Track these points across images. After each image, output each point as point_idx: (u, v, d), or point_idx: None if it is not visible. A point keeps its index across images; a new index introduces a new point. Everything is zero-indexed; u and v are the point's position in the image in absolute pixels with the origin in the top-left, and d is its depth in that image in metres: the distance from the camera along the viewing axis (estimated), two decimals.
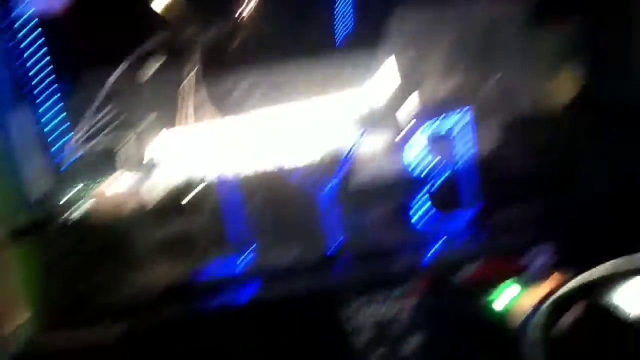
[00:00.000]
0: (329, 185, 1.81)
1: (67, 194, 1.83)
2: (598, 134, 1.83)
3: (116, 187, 1.92)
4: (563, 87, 1.95)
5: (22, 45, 1.88)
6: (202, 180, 1.89)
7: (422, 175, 1.87)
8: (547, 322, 1.06)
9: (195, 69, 1.86)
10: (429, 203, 1.87)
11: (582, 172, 1.87)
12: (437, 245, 1.82)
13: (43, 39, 1.89)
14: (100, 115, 1.85)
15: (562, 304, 1.08)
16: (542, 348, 1.00)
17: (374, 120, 1.87)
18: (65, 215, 1.80)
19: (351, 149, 1.83)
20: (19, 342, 1.51)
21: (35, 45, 1.90)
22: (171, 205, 1.88)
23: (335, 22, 1.98)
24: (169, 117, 1.86)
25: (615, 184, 1.83)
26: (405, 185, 1.86)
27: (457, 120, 1.86)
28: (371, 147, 1.86)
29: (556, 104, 1.93)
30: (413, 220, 1.87)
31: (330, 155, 1.84)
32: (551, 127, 1.89)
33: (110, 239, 1.84)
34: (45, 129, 1.85)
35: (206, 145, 1.91)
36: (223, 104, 1.88)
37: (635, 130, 1.76)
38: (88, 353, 1.50)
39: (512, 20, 1.89)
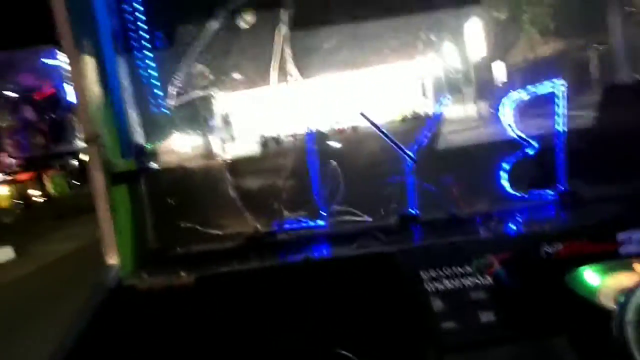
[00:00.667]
0: (411, 150, 1.79)
1: (160, 144, 1.95)
2: None
3: (203, 141, 2.01)
4: None
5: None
6: (281, 140, 1.94)
7: (509, 147, 1.81)
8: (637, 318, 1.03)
9: (283, 26, 1.87)
10: (514, 175, 1.82)
11: None
12: (520, 219, 1.79)
13: None
14: (192, 70, 1.92)
15: None
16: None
17: (461, 86, 1.82)
18: (159, 164, 1.92)
19: (435, 114, 1.79)
20: (112, 281, 1.65)
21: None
22: (252, 162, 1.95)
23: None
24: (258, 74, 1.90)
25: None
26: (491, 155, 1.81)
27: (550, 91, 1.76)
28: (456, 113, 1.82)
29: None
30: (497, 192, 1.83)
31: (413, 119, 1.81)
32: None
33: (196, 189, 1.94)
34: (142, 81, 1.95)
35: (288, 104, 1.94)
36: (309, 63, 1.89)
37: None
38: (172, 296, 1.62)
39: None
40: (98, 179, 1.63)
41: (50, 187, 19.48)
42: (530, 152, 1.80)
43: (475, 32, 1.86)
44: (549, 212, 1.80)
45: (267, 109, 1.96)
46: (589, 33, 1.81)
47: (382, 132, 1.77)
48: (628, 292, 1.08)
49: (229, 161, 1.92)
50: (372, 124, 1.78)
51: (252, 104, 1.99)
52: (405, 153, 1.78)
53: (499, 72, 1.83)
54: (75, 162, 20.95)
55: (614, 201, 1.77)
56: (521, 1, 1.81)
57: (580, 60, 1.82)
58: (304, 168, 1.83)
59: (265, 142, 1.94)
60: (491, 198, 1.83)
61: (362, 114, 1.75)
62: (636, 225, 1.53)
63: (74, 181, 20.44)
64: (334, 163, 1.88)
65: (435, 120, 1.79)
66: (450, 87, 1.83)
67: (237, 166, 1.91)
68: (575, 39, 1.80)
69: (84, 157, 1.70)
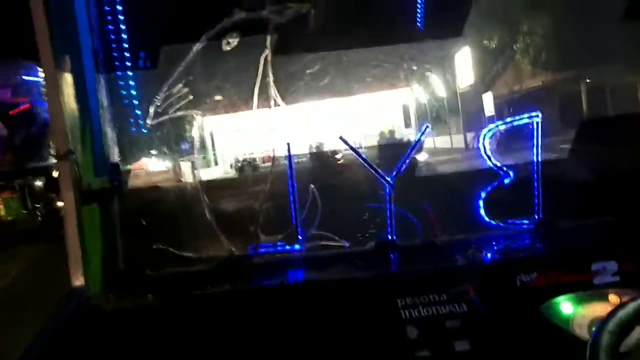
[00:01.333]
0: (390, 177, 1.79)
1: (136, 164, 1.91)
2: None
3: (179, 163, 1.98)
4: None
5: (104, 18, 1.97)
6: (259, 163, 1.93)
7: (488, 176, 1.83)
8: (610, 342, 1.02)
9: (266, 51, 1.88)
10: (492, 204, 1.83)
11: None
12: (497, 248, 1.79)
13: (123, 12, 1.97)
14: (172, 91, 1.91)
15: (627, 325, 1.04)
16: None
17: (443, 115, 1.84)
18: (133, 183, 1.88)
19: (415, 141, 1.80)
20: (78, 300, 1.59)
21: (114, 18, 1.99)
22: (229, 184, 1.93)
23: (411, 12, 1.95)
24: (239, 98, 1.90)
25: None
26: (469, 184, 1.83)
27: (528, 122, 1.80)
28: (437, 141, 1.84)
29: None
30: (475, 220, 1.83)
31: (394, 146, 1.82)
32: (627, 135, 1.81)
33: (170, 211, 1.91)
34: (121, 100, 1.94)
35: (268, 128, 1.94)
36: (290, 88, 1.90)
37: None
38: (140, 318, 1.57)
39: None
40: (68, 197, 1.58)
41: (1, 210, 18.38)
42: (507, 181, 1.82)
43: (459, 62, 1.91)
44: (525, 242, 1.81)
45: (247, 132, 1.95)
46: (577, 67, 1.87)
47: (362, 158, 1.77)
48: (602, 322, 1.07)
49: (205, 183, 1.89)
50: (352, 149, 1.78)
51: (232, 126, 1.98)
52: (384, 179, 1.79)
53: (483, 102, 1.87)
54: (39, 183, 19.91)
55: (589, 232, 1.79)
56: (513, 32, 1.86)
57: (567, 93, 1.87)
58: (282, 191, 1.81)
59: (243, 165, 1.93)
60: (468, 226, 1.84)
61: (342, 139, 1.75)
62: (610, 256, 1.54)
63: (36, 203, 19.40)
64: (312, 187, 1.87)
65: (415, 148, 1.80)
66: (433, 115, 1.86)
67: (214, 188, 1.89)
68: (563, 72, 1.85)
69: (56, 174, 1.66)
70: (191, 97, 1.92)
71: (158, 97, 1.93)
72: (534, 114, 1.79)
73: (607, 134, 1.86)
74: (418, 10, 1.90)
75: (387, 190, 1.78)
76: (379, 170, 1.78)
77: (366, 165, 1.77)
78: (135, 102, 1.96)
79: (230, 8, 1.82)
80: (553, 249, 1.75)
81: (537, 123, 1.79)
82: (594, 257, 1.53)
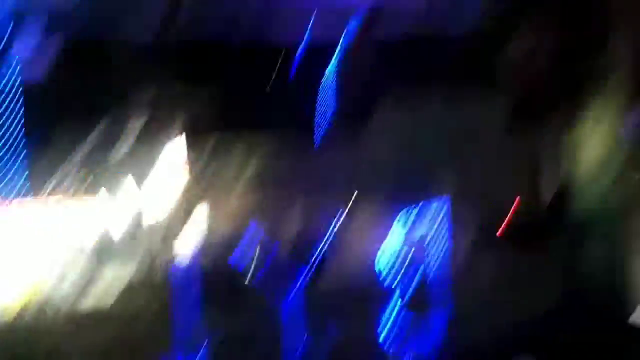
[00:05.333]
0: (291, 291, 1.67)
1: None
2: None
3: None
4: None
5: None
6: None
7: (394, 280, 1.75)
8: None
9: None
10: (398, 312, 1.73)
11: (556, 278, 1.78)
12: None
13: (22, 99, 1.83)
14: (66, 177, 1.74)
15: None
16: None
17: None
18: None
19: (321, 246, 1.71)
20: None
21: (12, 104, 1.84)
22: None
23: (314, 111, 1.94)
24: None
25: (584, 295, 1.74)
26: (374, 291, 1.73)
27: (433, 218, 1.78)
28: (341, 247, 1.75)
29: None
30: (382, 332, 1.72)
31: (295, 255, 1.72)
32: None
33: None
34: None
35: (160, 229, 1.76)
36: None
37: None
38: None
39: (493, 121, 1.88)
40: None
41: None
42: (401, 301, 1.75)
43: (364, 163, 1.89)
44: (435, 344, 1.71)
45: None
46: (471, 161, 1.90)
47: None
48: None
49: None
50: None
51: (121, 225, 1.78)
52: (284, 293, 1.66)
53: (386, 199, 1.85)
54: None
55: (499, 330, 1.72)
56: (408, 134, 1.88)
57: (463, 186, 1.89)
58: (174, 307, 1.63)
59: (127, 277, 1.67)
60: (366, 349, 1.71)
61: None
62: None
63: None
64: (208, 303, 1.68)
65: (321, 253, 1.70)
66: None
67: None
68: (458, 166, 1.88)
69: None
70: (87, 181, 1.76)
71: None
72: (443, 199, 1.78)
73: None
74: None
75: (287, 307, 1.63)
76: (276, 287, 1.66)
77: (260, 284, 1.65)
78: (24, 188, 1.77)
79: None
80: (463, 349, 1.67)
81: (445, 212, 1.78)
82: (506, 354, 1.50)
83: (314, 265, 1.72)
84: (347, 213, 1.79)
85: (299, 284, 1.69)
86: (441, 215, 1.82)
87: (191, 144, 1.78)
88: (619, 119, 1.79)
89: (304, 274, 1.70)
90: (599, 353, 1.31)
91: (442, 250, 1.80)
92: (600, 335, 1.67)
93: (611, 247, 1.78)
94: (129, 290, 1.63)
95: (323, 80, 1.90)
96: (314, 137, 1.90)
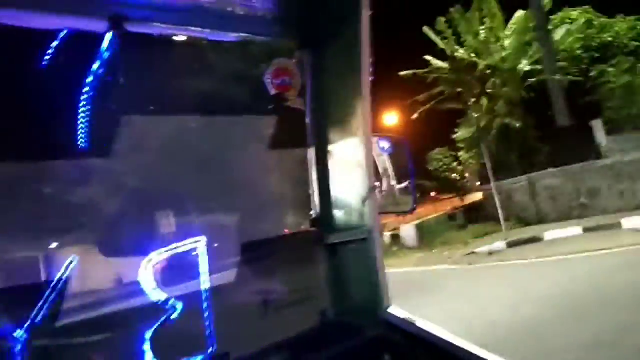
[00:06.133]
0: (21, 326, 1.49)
1: None
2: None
3: None
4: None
5: None
6: None
7: (153, 311, 1.64)
8: None
9: None
10: (158, 343, 1.64)
11: None
12: None
13: None
14: None
15: None
16: None
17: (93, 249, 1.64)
18: None
19: (59, 279, 1.55)
20: None
21: None
22: None
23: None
24: None
25: None
26: (132, 324, 1.62)
27: (189, 252, 1.68)
28: (82, 279, 1.61)
29: None
30: None
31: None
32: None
33: None
34: None
35: None
36: None
37: None
38: None
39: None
40: None
41: None
42: (176, 315, 1.66)
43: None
44: None
45: None
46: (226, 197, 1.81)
47: None
48: None
49: None
50: None
51: None
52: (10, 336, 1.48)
53: (144, 232, 1.71)
54: None
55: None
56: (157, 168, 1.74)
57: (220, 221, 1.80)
58: None
59: None
60: None
61: None
62: None
63: None
64: None
65: (57, 289, 1.55)
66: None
67: None
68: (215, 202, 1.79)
69: None
70: None
71: None
72: (197, 238, 1.68)
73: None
74: None
75: (16, 347, 1.48)
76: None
77: None
78: None
79: None
80: None
81: (204, 249, 1.68)
82: None
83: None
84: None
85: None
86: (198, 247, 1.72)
87: None
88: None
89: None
90: None
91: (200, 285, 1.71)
92: (359, 355, 1.67)
93: (366, 266, 1.79)
94: None
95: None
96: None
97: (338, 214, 1.92)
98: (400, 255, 18.43)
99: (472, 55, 18.85)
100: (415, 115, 21.04)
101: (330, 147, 1.92)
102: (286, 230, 2.04)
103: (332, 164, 1.92)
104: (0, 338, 1.43)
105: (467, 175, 24.15)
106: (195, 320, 1.66)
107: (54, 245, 1.63)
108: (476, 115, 18.00)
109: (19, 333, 1.45)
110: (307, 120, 1.94)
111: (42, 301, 1.49)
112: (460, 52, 19.11)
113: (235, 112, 1.90)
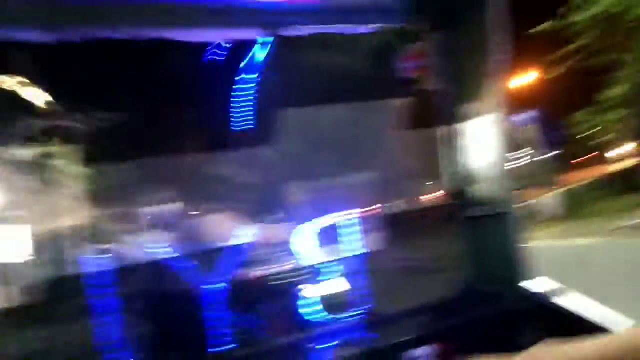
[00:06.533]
0: (214, 283, 1.85)
1: None
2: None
3: None
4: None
5: None
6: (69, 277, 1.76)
7: (311, 273, 1.93)
8: None
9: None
10: (318, 302, 1.92)
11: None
12: (328, 345, 1.87)
13: None
14: None
15: None
16: None
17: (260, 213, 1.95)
18: None
19: (238, 243, 1.90)
20: None
21: None
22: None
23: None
24: None
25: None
26: (296, 283, 1.92)
27: (346, 218, 1.93)
28: (258, 240, 1.93)
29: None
30: (303, 320, 1.92)
31: (214, 249, 1.90)
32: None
33: None
34: None
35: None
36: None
37: None
38: None
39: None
40: None
41: None
42: (337, 276, 1.93)
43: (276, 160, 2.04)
44: (355, 334, 1.89)
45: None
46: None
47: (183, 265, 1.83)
48: None
49: None
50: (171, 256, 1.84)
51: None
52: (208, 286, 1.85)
53: (301, 198, 2.00)
54: None
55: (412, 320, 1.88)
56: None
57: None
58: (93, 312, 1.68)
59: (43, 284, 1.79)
60: (300, 325, 1.92)
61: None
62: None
63: None
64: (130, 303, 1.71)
65: (238, 249, 1.89)
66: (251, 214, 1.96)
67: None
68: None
69: None
70: None
71: None
72: (351, 210, 1.93)
73: None
74: None
75: (212, 298, 1.85)
76: (200, 280, 1.85)
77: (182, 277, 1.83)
78: None
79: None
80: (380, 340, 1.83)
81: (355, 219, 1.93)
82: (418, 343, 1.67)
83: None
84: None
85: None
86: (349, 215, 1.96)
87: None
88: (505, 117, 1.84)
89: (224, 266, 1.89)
90: (494, 342, 1.44)
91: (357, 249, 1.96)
92: (495, 324, 1.78)
93: (504, 239, 1.87)
94: None
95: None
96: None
97: (475, 188, 2.02)
98: (543, 228, 17.29)
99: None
100: (551, 75, 18.97)
101: (464, 125, 2.02)
102: (427, 204, 2.20)
103: (468, 141, 2.02)
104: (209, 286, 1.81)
105: (617, 139, 21.56)
106: (352, 282, 1.93)
107: (238, 217, 1.98)
108: (627, 72, 15.86)
109: (221, 284, 1.83)
110: (443, 100, 2.06)
111: (235, 261, 1.86)
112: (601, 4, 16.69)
113: (376, 97, 2.10)
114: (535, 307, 1.81)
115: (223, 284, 1.83)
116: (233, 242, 1.92)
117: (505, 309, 1.84)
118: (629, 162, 19.46)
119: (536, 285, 1.87)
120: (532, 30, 18.03)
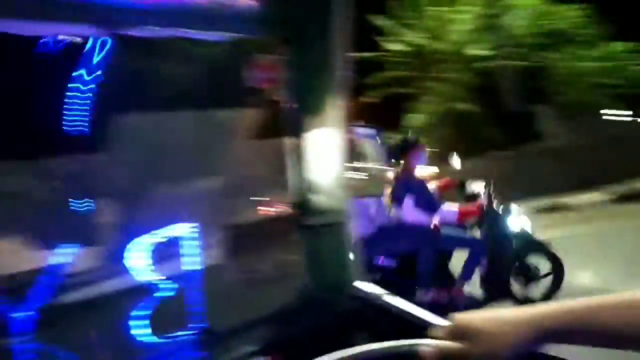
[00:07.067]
0: (23, 311, 1.60)
1: None
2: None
3: None
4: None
5: None
6: None
7: (143, 291, 1.77)
8: None
9: None
10: (149, 322, 1.77)
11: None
12: None
13: None
14: None
15: None
16: None
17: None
18: None
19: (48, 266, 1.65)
20: None
21: None
22: None
23: None
24: None
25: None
26: (125, 304, 1.75)
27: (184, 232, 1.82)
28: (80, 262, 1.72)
29: None
30: (133, 342, 1.75)
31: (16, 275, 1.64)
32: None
33: None
34: None
35: None
36: None
37: None
38: None
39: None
40: None
41: None
42: (167, 294, 1.79)
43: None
44: (188, 353, 1.79)
45: None
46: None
47: None
48: None
49: None
50: None
51: None
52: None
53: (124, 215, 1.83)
54: None
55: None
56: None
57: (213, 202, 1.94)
58: None
59: None
60: (128, 348, 1.75)
61: None
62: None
63: None
64: None
65: (55, 273, 1.65)
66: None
67: None
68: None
69: None
70: None
71: None
72: (188, 223, 1.82)
73: None
74: None
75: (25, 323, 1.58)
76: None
77: None
78: None
79: None
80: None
81: (194, 232, 1.82)
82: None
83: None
84: None
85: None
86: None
87: None
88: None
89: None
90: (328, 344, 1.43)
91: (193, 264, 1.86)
92: (329, 328, 1.84)
93: (336, 247, 1.97)
94: None
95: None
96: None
97: (313, 198, 2.08)
98: None
99: (422, 37, 18.76)
100: (365, 99, 20.78)
101: (307, 137, 2.08)
102: (269, 215, 2.21)
103: (310, 153, 2.08)
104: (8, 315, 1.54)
105: None
106: (187, 299, 1.81)
107: (51, 232, 1.72)
108: (426, 101, 18.20)
109: (27, 312, 1.57)
110: (287, 112, 2.09)
111: (45, 284, 1.61)
112: (410, 36, 18.92)
113: (222, 106, 2.03)
114: (365, 309, 1.93)
115: (31, 312, 1.57)
116: (41, 266, 1.67)
117: (338, 312, 1.92)
118: None
119: (363, 289, 2.00)
120: (357, 56, 19.54)
